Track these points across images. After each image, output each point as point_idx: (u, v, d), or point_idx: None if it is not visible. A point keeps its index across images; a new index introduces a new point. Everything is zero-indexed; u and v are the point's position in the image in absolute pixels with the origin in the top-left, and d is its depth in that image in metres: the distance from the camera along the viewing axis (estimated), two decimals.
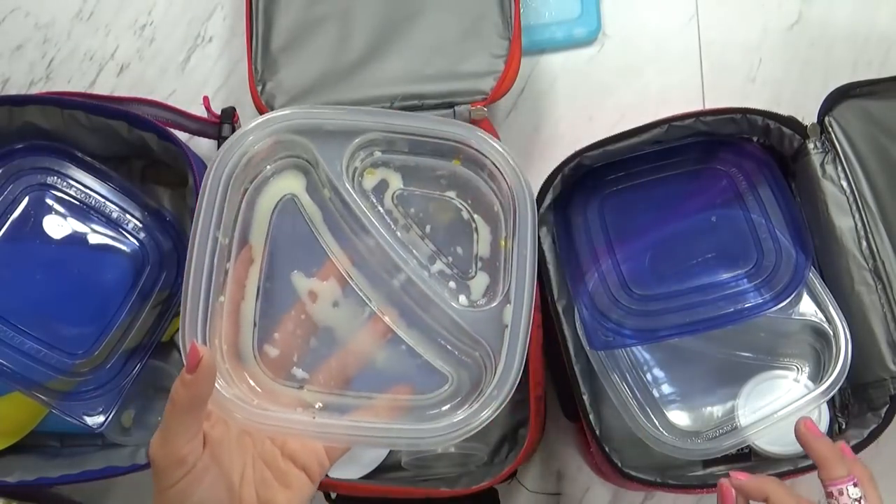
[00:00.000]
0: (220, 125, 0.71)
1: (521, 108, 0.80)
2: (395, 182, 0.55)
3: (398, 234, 0.54)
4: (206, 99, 0.72)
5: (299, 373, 0.51)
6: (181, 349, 0.46)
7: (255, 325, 0.51)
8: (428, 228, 0.54)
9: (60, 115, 0.67)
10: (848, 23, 0.81)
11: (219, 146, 0.70)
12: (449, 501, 0.66)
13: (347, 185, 0.52)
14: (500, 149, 0.53)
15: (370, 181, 0.55)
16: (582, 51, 0.81)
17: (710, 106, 0.79)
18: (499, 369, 0.48)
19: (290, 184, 0.54)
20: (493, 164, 0.53)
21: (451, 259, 0.54)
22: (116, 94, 0.78)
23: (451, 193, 0.55)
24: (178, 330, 0.71)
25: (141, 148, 0.69)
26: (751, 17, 0.81)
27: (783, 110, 0.68)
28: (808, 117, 0.69)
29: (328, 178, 0.53)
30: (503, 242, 0.54)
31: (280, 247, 0.53)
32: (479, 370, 0.51)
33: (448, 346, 0.52)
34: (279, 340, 0.51)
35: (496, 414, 0.47)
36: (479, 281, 0.54)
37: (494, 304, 0.51)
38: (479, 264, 0.54)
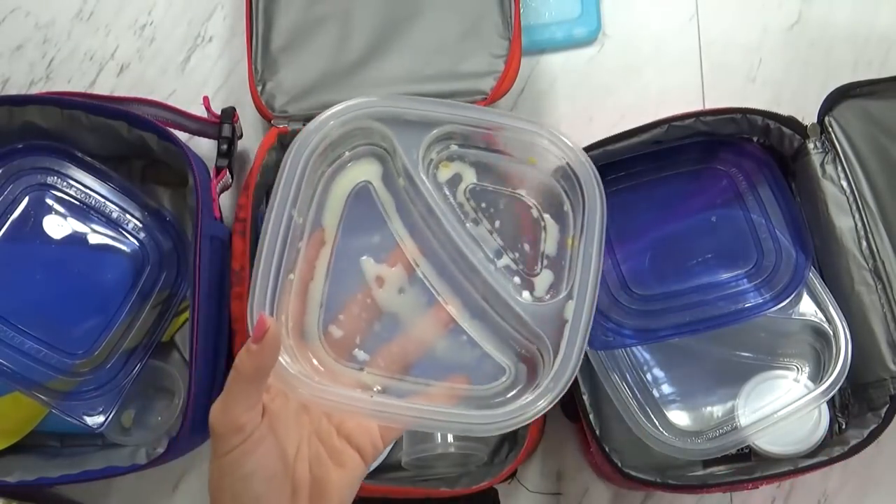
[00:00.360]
0: (220, 125, 0.71)
1: (521, 108, 0.80)
2: (469, 176, 0.56)
3: (468, 227, 0.54)
4: (206, 99, 0.72)
5: (361, 355, 0.51)
6: (249, 319, 0.46)
7: (321, 305, 0.52)
8: (497, 223, 0.55)
9: (60, 115, 0.67)
10: (848, 23, 0.81)
11: (219, 146, 0.71)
12: (449, 501, 0.66)
13: (423, 175, 0.53)
14: (576, 149, 0.54)
15: (445, 174, 0.56)
16: (582, 51, 0.81)
17: (710, 106, 0.79)
18: (556, 363, 0.49)
19: (367, 170, 0.55)
20: (568, 164, 0.54)
21: (517, 255, 0.55)
22: (116, 94, 0.78)
23: (523, 191, 0.56)
24: (178, 330, 0.71)
25: (141, 148, 0.69)
26: (751, 17, 0.81)
27: (783, 110, 0.68)
28: (808, 117, 0.69)
29: (404, 167, 0.53)
30: (570, 241, 0.55)
31: (352, 231, 0.54)
32: (536, 364, 0.52)
33: (508, 340, 0.53)
34: (344, 322, 0.52)
35: (551, 406, 0.48)
36: (544, 278, 0.54)
37: (557, 299, 0.52)
38: (545, 262, 0.55)
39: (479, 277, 0.52)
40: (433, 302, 0.53)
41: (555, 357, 0.50)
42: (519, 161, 0.56)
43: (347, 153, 0.55)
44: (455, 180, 0.55)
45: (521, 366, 0.52)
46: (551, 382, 0.48)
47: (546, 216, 0.55)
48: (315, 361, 0.50)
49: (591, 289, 0.51)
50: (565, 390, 0.48)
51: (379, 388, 0.50)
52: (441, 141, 0.55)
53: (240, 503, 0.44)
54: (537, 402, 0.48)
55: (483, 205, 0.55)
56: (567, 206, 0.55)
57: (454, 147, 0.56)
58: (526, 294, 0.53)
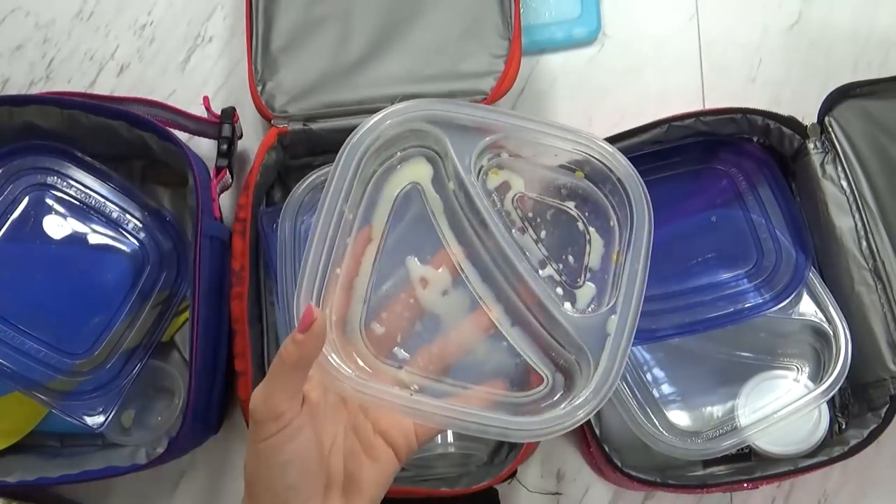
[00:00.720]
0: (220, 125, 0.71)
1: (521, 108, 0.80)
2: (518, 185, 0.56)
3: (514, 234, 0.54)
4: (206, 99, 0.72)
5: (401, 353, 0.52)
6: (295, 309, 0.47)
7: (365, 301, 0.52)
8: (543, 234, 0.55)
9: (60, 115, 0.67)
10: (848, 23, 0.81)
11: (219, 146, 0.71)
12: (449, 501, 0.66)
13: (474, 180, 0.53)
14: (628, 165, 0.54)
15: (494, 181, 0.56)
16: (582, 51, 0.81)
17: (710, 106, 0.79)
18: (596, 375, 0.49)
19: (418, 172, 0.55)
20: (618, 179, 0.54)
21: (561, 266, 0.55)
22: (116, 94, 0.78)
23: (570, 204, 0.56)
24: (178, 330, 0.71)
25: (141, 148, 0.69)
26: (751, 17, 0.81)
27: (783, 110, 0.68)
28: (808, 117, 0.69)
29: (455, 171, 0.53)
30: (615, 256, 0.55)
31: (399, 230, 0.54)
32: (573, 375, 0.52)
33: (548, 349, 0.53)
34: (386, 319, 0.52)
35: (590, 416, 0.48)
36: (586, 291, 0.54)
37: (599, 313, 0.52)
38: (588, 275, 0.55)
39: (523, 285, 0.52)
40: (475, 306, 0.53)
41: (594, 369, 0.50)
42: (567, 173, 0.56)
43: (399, 153, 0.55)
44: (504, 188, 0.56)
45: (559, 376, 0.52)
46: (591, 394, 0.49)
47: (591, 229, 0.55)
48: (356, 356, 0.51)
49: (634, 305, 0.52)
50: (604, 402, 0.49)
51: (416, 387, 0.51)
52: (493, 148, 0.55)
53: (273, 491, 0.44)
54: (576, 412, 0.48)
55: (530, 214, 0.55)
56: (614, 222, 0.55)
57: (505, 155, 0.56)
58: (567, 305, 0.53)
